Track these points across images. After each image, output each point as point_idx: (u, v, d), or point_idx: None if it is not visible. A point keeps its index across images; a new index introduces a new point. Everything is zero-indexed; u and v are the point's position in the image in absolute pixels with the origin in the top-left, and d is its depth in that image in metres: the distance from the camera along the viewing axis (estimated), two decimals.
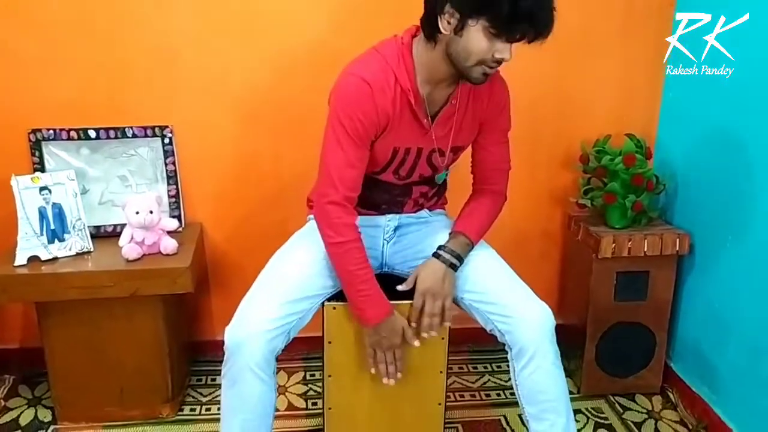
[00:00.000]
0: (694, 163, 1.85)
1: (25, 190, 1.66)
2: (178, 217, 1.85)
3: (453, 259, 1.40)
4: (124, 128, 1.80)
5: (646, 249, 1.80)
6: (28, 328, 1.97)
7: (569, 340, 1.83)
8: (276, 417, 1.41)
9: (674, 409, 1.89)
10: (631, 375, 1.94)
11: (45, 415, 1.82)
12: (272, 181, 1.94)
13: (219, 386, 1.38)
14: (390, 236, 1.55)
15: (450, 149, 1.43)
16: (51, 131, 1.78)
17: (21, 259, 1.65)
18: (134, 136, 1.81)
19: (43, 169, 1.78)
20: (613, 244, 1.79)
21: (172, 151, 1.84)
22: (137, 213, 1.66)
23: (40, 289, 1.64)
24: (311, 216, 1.53)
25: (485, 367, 2.10)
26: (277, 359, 1.35)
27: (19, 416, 1.82)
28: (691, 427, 1.80)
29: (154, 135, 1.82)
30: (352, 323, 1.45)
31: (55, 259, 1.69)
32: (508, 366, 1.40)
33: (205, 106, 1.85)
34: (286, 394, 1.94)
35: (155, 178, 1.87)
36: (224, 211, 1.96)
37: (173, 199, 1.87)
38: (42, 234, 1.68)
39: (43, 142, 1.78)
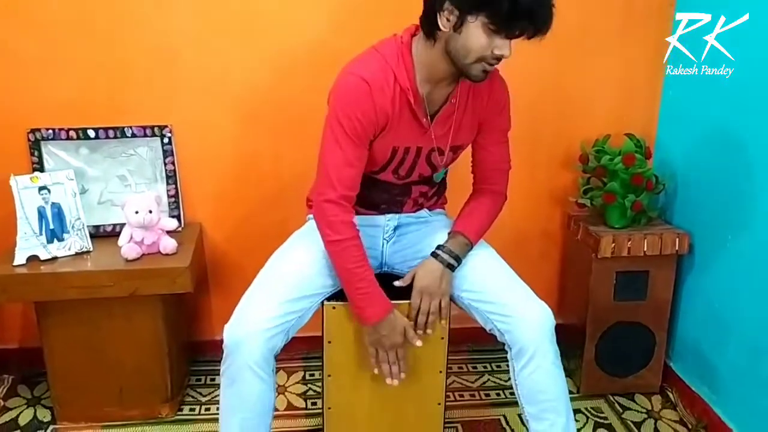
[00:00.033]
0: (693, 162, 1.85)
1: (24, 189, 1.66)
2: (178, 217, 1.85)
3: (451, 259, 1.40)
4: (124, 128, 1.80)
5: (645, 249, 1.80)
6: (27, 327, 1.97)
7: (569, 340, 1.83)
8: (275, 417, 1.41)
9: (674, 409, 1.89)
10: (631, 375, 1.94)
11: (44, 415, 1.82)
12: (272, 181, 1.94)
13: (218, 386, 1.38)
14: (390, 236, 1.55)
15: (449, 148, 1.43)
16: (50, 131, 1.78)
17: (20, 258, 1.65)
18: (133, 135, 1.81)
19: (42, 169, 1.78)
20: (613, 244, 1.79)
21: (172, 151, 1.84)
22: (136, 212, 1.66)
23: (40, 289, 1.64)
24: (311, 216, 1.53)
25: (485, 367, 2.10)
26: (277, 358, 1.35)
27: (18, 416, 1.82)
28: (690, 426, 1.80)
29: (154, 135, 1.82)
30: (351, 323, 1.44)
31: (54, 258, 1.69)
32: (507, 366, 1.40)
33: (205, 106, 1.85)
34: (286, 393, 1.94)
35: (154, 177, 1.87)
36: (224, 211, 1.96)
37: (172, 199, 1.87)
38: (41, 234, 1.68)
39: (42, 142, 1.78)
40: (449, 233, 1.46)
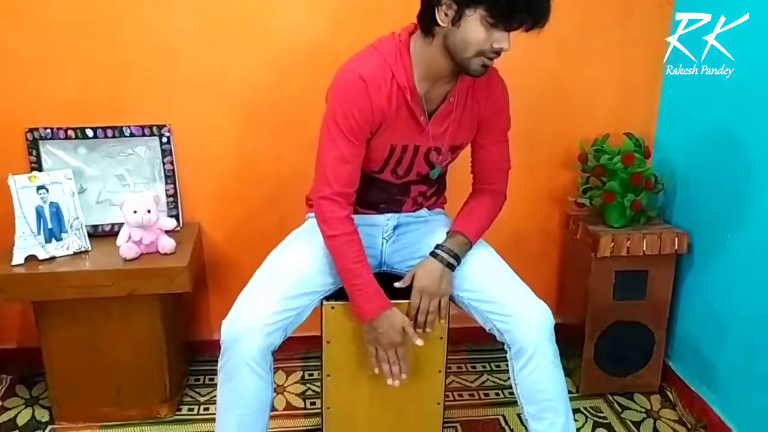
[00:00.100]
0: (693, 162, 1.85)
1: (23, 189, 1.66)
2: (176, 217, 1.85)
3: (450, 258, 1.40)
4: (122, 127, 1.80)
5: (644, 248, 1.80)
6: (25, 327, 1.96)
7: (568, 340, 1.83)
8: (274, 416, 1.41)
9: (673, 408, 1.89)
10: (630, 374, 1.94)
11: (42, 415, 1.82)
12: (271, 181, 1.94)
13: (217, 386, 1.37)
14: (389, 235, 1.54)
15: (448, 147, 1.43)
16: (48, 130, 1.77)
17: (18, 258, 1.64)
18: (132, 135, 1.81)
19: (40, 168, 1.78)
20: (612, 244, 1.79)
21: (170, 151, 1.84)
22: (135, 212, 1.66)
23: (38, 289, 1.63)
24: (310, 215, 1.53)
25: (484, 367, 2.10)
26: (275, 356, 1.35)
27: (16, 416, 1.82)
28: (689, 426, 1.80)
29: (152, 134, 1.82)
30: (350, 322, 1.44)
31: (52, 258, 1.68)
32: (507, 365, 1.40)
33: (204, 106, 1.85)
34: (285, 393, 1.94)
35: (153, 177, 1.86)
36: (223, 211, 1.96)
37: (171, 199, 1.87)
38: (39, 233, 1.68)
39: (40, 141, 1.78)
40: (448, 232, 1.45)
